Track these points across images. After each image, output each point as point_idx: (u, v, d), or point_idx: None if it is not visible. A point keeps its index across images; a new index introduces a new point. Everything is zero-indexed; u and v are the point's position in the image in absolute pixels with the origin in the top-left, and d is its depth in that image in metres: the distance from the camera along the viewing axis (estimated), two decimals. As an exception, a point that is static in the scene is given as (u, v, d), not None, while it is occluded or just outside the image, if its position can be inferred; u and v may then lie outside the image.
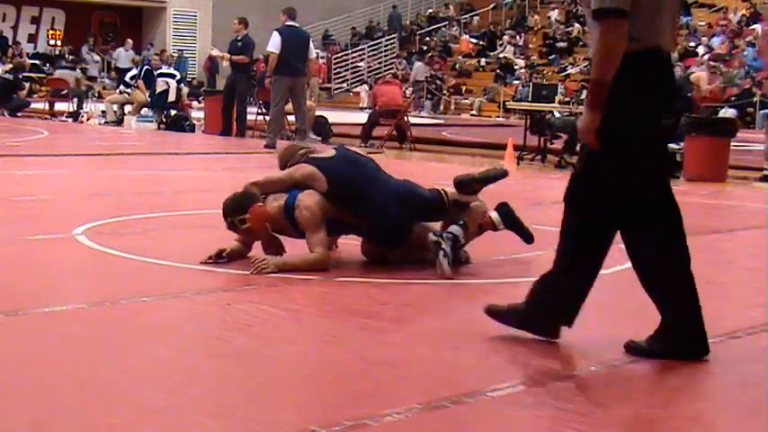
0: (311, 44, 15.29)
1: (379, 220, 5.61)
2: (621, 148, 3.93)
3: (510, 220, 6.00)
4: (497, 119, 28.45)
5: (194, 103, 22.01)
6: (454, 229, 5.62)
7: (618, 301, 5.21)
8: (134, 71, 20.48)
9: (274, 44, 14.58)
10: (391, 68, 34.85)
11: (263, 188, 5.67)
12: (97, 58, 33.37)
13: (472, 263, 5.87)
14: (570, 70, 31.64)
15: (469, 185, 5.90)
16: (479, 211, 5.90)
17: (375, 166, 5.86)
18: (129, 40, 32.24)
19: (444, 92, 32.73)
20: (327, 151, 5.90)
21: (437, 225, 5.84)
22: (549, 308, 4.13)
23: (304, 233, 5.53)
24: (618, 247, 6.76)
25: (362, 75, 36.31)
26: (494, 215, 5.98)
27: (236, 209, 5.51)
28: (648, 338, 4.05)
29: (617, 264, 6.13)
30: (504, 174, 6.11)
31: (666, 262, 4.07)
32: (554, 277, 4.15)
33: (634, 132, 3.93)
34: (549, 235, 7.28)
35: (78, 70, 22.96)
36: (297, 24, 15.13)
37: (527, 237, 6.05)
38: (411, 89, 27.43)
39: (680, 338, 4.00)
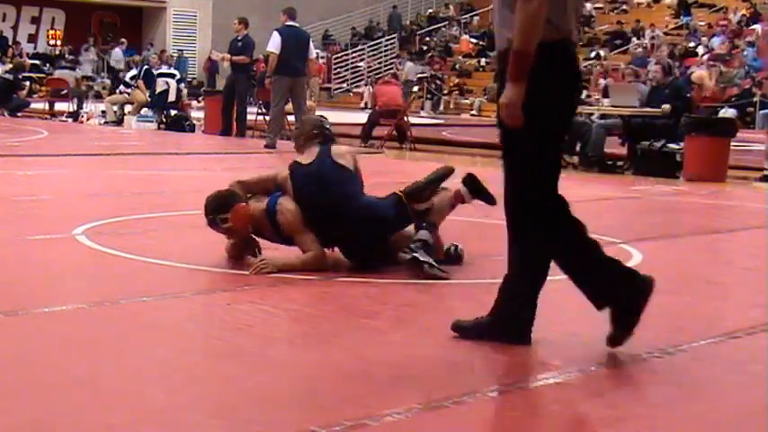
0: (311, 44, 15.28)
1: (346, 240, 5.60)
2: (540, 137, 3.96)
3: (475, 189, 5.96)
4: (497, 119, 28.38)
5: (194, 103, 22.01)
6: (422, 234, 5.55)
7: (618, 301, 5.20)
8: (134, 71, 20.48)
9: (274, 44, 14.57)
10: (391, 68, 34.85)
11: (247, 187, 5.68)
12: (92, 56, 33.27)
13: (464, 260, 5.85)
14: (570, 70, 31.59)
15: (421, 193, 5.74)
16: (444, 200, 5.80)
17: (342, 188, 5.59)
18: (124, 40, 32.10)
19: (445, 92, 32.73)
20: (311, 152, 5.76)
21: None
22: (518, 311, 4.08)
23: (286, 237, 5.53)
24: (618, 247, 6.77)
25: (362, 75, 36.30)
26: (462, 189, 5.93)
27: (219, 207, 5.51)
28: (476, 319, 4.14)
29: (617, 264, 6.14)
30: (450, 172, 5.96)
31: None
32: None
33: (551, 121, 3.96)
34: (549, 235, 7.30)
35: (78, 70, 22.95)
36: (297, 24, 15.13)
37: (489, 200, 5.98)
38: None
39: (505, 320, 4.06)
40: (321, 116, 6.50)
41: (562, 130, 4.11)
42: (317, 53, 32.12)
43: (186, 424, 3.05)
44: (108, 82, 29.95)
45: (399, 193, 5.63)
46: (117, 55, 30.42)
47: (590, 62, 31.38)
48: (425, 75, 33.23)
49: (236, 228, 5.50)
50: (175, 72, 20.42)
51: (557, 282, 5.55)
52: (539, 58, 3.76)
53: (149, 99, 19.41)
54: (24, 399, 3.22)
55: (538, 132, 3.92)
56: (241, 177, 5.78)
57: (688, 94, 13.54)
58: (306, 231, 5.47)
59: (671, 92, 13.49)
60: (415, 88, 30.23)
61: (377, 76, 31.31)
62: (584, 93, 19.49)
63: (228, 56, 16.74)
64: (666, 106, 12.89)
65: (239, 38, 16.82)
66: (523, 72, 3.76)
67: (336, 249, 5.97)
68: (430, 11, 41.36)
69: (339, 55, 37.17)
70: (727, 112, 20.99)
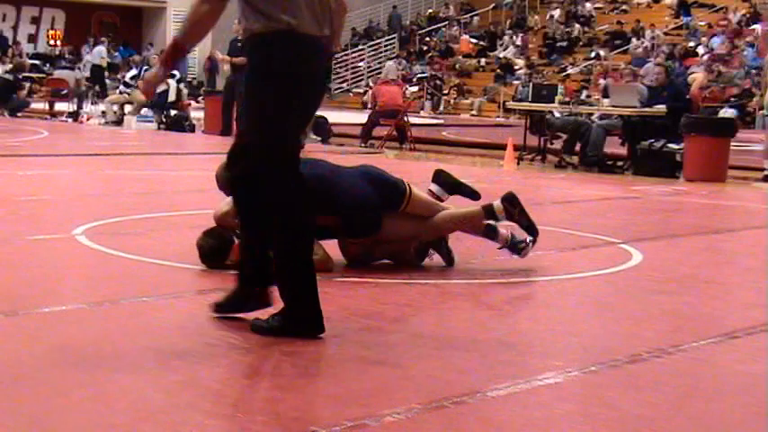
0: None
1: (350, 203, 5.50)
2: (260, 120, 4.09)
3: (449, 185, 6.03)
4: (497, 119, 28.45)
5: (193, 103, 22.01)
6: None
7: (618, 301, 5.21)
8: (134, 71, 20.48)
9: None
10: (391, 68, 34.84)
11: (231, 215, 5.46)
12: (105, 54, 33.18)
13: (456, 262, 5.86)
14: (570, 70, 31.65)
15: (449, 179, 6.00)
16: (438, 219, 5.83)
17: (327, 162, 5.75)
18: (104, 39, 31.82)
19: (445, 92, 32.75)
20: None
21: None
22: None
23: None
24: (618, 247, 6.77)
25: (362, 75, 36.31)
26: (433, 187, 6.01)
27: (217, 257, 5.38)
28: (270, 316, 4.16)
29: (617, 263, 6.15)
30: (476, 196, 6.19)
31: (281, 237, 4.15)
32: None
33: (270, 107, 4.06)
34: (550, 235, 7.30)
35: (77, 70, 22.95)
36: None
37: (472, 195, 6.11)
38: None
39: (295, 316, 4.11)
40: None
41: (288, 119, 4.13)
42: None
43: (186, 424, 3.05)
44: (109, 82, 29.93)
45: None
46: (102, 53, 30.18)
47: (590, 62, 31.41)
48: (425, 75, 33.25)
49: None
50: (175, 72, 20.41)
51: (557, 282, 5.57)
52: (255, 47, 4.08)
53: (149, 99, 19.41)
54: (24, 399, 3.22)
55: (258, 116, 4.10)
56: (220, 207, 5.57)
57: (688, 96, 13.54)
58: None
59: (670, 93, 13.51)
60: (415, 88, 30.24)
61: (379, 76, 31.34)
62: (585, 93, 19.50)
63: (229, 58, 16.73)
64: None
65: (239, 38, 16.82)
66: (174, 60, 4.09)
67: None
68: (430, 11, 41.37)
69: (339, 55, 37.17)
70: (727, 112, 21.01)
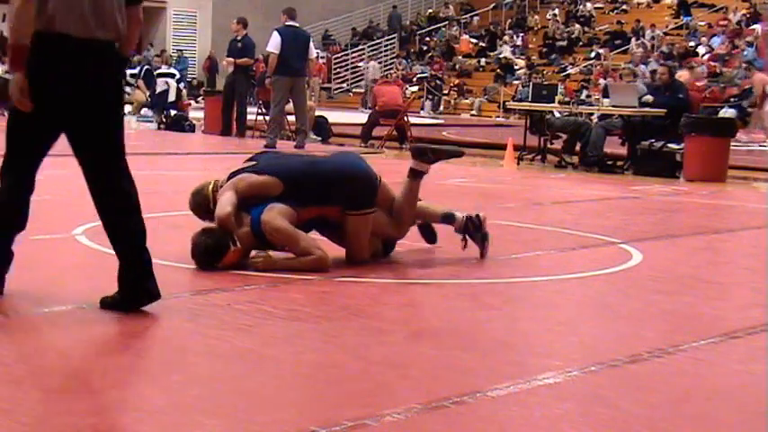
0: (311, 44, 15.26)
1: (346, 173, 5.66)
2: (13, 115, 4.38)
3: (426, 153, 6.03)
4: (497, 119, 28.46)
5: (193, 103, 22.01)
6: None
7: (618, 301, 5.21)
8: (134, 71, 20.49)
9: (274, 44, 14.57)
10: (391, 68, 34.86)
11: (225, 216, 5.49)
12: None
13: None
14: (570, 70, 31.66)
15: (425, 154, 5.96)
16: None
17: (299, 156, 6.19)
18: None
19: (445, 92, 32.75)
20: (245, 164, 5.93)
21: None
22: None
23: (284, 249, 5.53)
24: (618, 247, 6.77)
25: (362, 75, 36.32)
26: (413, 163, 6.00)
27: (210, 257, 5.39)
28: (115, 293, 4.42)
29: (617, 263, 6.15)
30: (458, 155, 6.34)
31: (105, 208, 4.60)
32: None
33: (14, 114, 4.34)
34: (550, 235, 7.30)
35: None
36: (297, 24, 15.12)
37: (451, 153, 6.28)
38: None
39: (128, 289, 4.38)
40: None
41: (23, 122, 4.38)
42: (317, 53, 32.09)
43: (186, 424, 3.05)
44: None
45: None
46: None
47: (590, 62, 31.42)
48: (425, 75, 33.25)
49: (232, 265, 5.43)
50: (175, 72, 20.44)
51: (557, 282, 5.57)
52: (31, 45, 4.21)
53: (149, 99, 19.42)
54: (24, 399, 3.22)
55: (13, 110, 4.37)
56: (222, 214, 5.51)
57: (680, 95, 13.54)
58: (299, 239, 5.41)
59: (672, 92, 13.52)
60: (415, 88, 30.25)
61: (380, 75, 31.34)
62: (585, 93, 19.50)
63: (232, 60, 16.73)
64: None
65: (238, 38, 16.83)
66: (21, 61, 4.22)
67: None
68: (430, 11, 41.38)
69: (339, 55, 37.18)
70: (728, 112, 21.01)
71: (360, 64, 36.83)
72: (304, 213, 5.56)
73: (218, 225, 5.48)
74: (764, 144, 19.09)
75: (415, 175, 5.84)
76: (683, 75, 19.81)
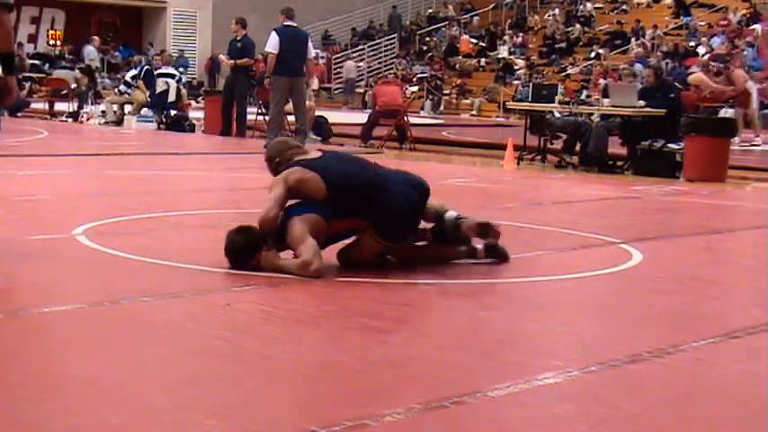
0: (310, 44, 15.24)
1: (394, 206, 5.45)
2: None
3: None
4: (497, 119, 28.46)
5: (192, 103, 21.99)
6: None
7: (618, 301, 5.21)
8: (134, 71, 20.47)
9: (272, 44, 14.59)
10: (391, 68, 34.87)
11: (271, 219, 5.38)
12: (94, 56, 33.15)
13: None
14: (570, 70, 31.66)
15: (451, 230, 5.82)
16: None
17: (367, 161, 5.80)
18: (95, 38, 31.65)
19: (445, 92, 32.75)
20: (313, 153, 5.75)
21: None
22: None
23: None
24: (618, 247, 6.77)
25: (362, 75, 36.33)
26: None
27: (241, 260, 5.32)
28: None
29: (617, 263, 6.15)
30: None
31: None
32: None
33: None
34: (550, 235, 7.30)
35: (77, 70, 22.95)
36: (295, 24, 15.12)
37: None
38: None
39: None
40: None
41: None
42: (317, 53, 32.05)
43: (186, 424, 3.05)
44: (109, 82, 29.91)
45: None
46: (91, 53, 30.05)
47: (590, 62, 31.42)
48: (425, 75, 33.27)
49: (265, 269, 5.33)
50: (175, 72, 20.42)
51: (557, 282, 5.57)
52: None
53: (149, 99, 19.41)
54: (24, 399, 3.22)
55: None
56: (265, 215, 5.37)
57: (672, 95, 13.52)
58: (301, 242, 5.27)
59: (663, 93, 13.51)
60: (415, 88, 30.25)
61: (379, 76, 31.34)
62: (585, 93, 19.50)
63: (232, 61, 16.71)
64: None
65: (238, 38, 16.83)
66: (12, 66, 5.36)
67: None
68: (430, 11, 41.39)
69: (339, 55, 37.18)
70: (728, 113, 21.00)
71: (360, 64, 36.84)
72: (338, 225, 5.46)
73: (260, 226, 5.34)
74: (756, 143, 19.07)
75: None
76: (699, 77, 19.82)
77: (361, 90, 34.27)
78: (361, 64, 36.47)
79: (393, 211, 5.48)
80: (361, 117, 19.30)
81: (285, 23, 14.90)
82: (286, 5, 15.30)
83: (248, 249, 5.30)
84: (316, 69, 28.92)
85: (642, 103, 13.32)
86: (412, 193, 5.58)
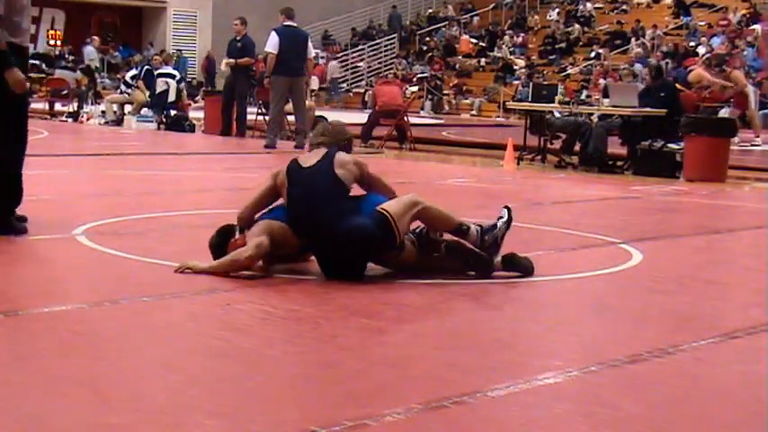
0: (309, 43, 15.24)
1: (329, 259, 5.37)
2: None
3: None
4: (497, 119, 28.46)
5: (191, 103, 21.99)
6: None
7: (618, 301, 5.21)
8: (134, 71, 20.48)
9: (272, 44, 14.60)
10: (391, 68, 34.87)
11: (253, 210, 5.48)
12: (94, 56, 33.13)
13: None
14: (570, 70, 31.66)
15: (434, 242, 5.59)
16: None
17: (329, 208, 5.35)
18: (95, 38, 31.61)
19: (445, 92, 32.75)
20: (317, 153, 5.61)
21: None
22: None
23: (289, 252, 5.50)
24: (618, 247, 6.78)
25: (362, 75, 36.34)
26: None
27: (220, 252, 5.39)
28: None
29: (617, 263, 6.15)
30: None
31: None
32: None
33: None
34: (550, 235, 7.30)
35: (78, 71, 22.95)
36: (295, 24, 15.11)
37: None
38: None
39: None
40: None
41: None
42: (317, 53, 32.03)
43: (186, 424, 3.05)
44: (109, 82, 29.89)
45: (384, 212, 5.26)
46: (91, 53, 30.01)
47: (590, 62, 31.42)
48: (425, 75, 33.26)
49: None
50: (175, 72, 20.43)
51: (557, 282, 5.57)
52: None
53: (149, 99, 19.41)
54: (24, 398, 3.22)
55: None
56: (242, 207, 5.53)
57: (662, 93, 13.53)
58: (254, 237, 5.30)
59: (665, 93, 13.51)
60: (415, 88, 30.25)
61: (379, 75, 31.35)
62: (585, 93, 19.50)
63: (233, 61, 16.70)
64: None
65: (238, 38, 16.81)
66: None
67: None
68: (430, 11, 41.39)
69: (339, 55, 37.18)
70: (727, 113, 21.02)
71: (360, 64, 36.84)
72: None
73: (237, 219, 5.50)
74: (756, 143, 19.08)
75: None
76: (698, 73, 19.82)
77: (344, 89, 34.39)
78: (363, 64, 36.47)
79: (335, 256, 5.35)
80: (361, 117, 19.29)
81: (285, 23, 14.90)
82: (286, 5, 15.30)
83: (221, 244, 5.42)
84: (316, 69, 28.98)
85: (635, 102, 13.33)
86: (353, 247, 5.28)
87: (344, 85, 35.62)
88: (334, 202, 5.37)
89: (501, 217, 5.63)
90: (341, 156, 5.57)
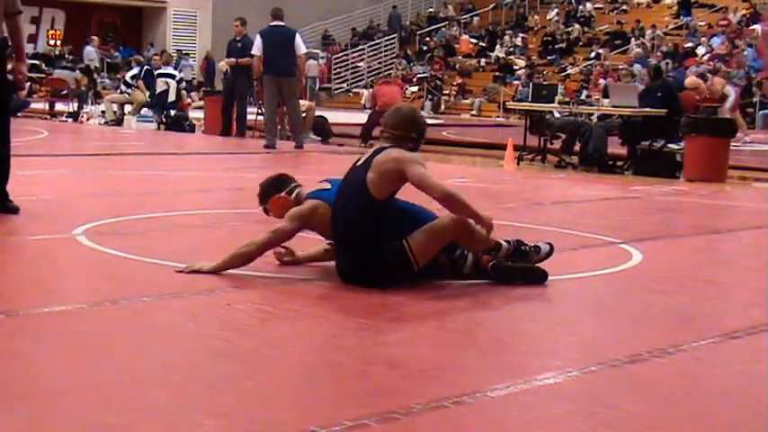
0: (299, 40, 14.91)
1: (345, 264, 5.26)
2: None
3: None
4: (497, 119, 28.46)
5: (191, 98, 21.99)
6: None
7: (618, 301, 5.20)
8: (134, 71, 20.48)
9: (256, 47, 14.76)
10: (391, 69, 34.87)
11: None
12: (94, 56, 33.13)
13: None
14: (570, 70, 31.66)
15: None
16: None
17: (345, 213, 5.16)
18: (95, 38, 31.56)
19: (445, 92, 32.75)
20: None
21: None
22: None
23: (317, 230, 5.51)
24: (618, 247, 6.77)
25: (362, 75, 36.32)
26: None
27: (263, 194, 5.61)
28: None
29: (617, 263, 6.15)
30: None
31: None
32: None
33: None
34: (549, 235, 7.30)
35: (78, 71, 22.95)
36: (282, 23, 15.02)
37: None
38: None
39: None
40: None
41: None
42: (317, 53, 32.03)
43: (186, 424, 3.05)
44: (109, 82, 29.89)
45: (403, 243, 5.04)
46: (91, 53, 30.00)
47: (590, 62, 31.41)
48: (425, 75, 33.26)
49: (276, 216, 5.53)
50: (175, 72, 20.43)
51: (557, 282, 5.56)
52: None
53: (149, 99, 19.42)
54: (24, 399, 3.22)
55: None
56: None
57: (659, 93, 13.53)
58: (284, 222, 5.34)
59: (664, 93, 13.51)
60: (415, 88, 30.27)
61: (378, 75, 31.33)
62: (585, 93, 19.51)
63: (233, 60, 16.67)
64: None
65: (238, 39, 16.80)
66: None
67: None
68: (430, 11, 41.38)
69: (339, 55, 37.18)
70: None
71: (360, 64, 36.84)
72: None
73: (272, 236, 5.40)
74: (745, 141, 19.10)
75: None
76: (693, 81, 19.89)
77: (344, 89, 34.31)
78: (363, 64, 36.45)
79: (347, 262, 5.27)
80: (361, 117, 19.29)
81: (271, 24, 14.92)
82: (286, 6, 15.31)
83: (267, 192, 5.57)
84: (317, 69, 28.98)
85: (635, 103, 13.34)
86: (363, 268, 5.12)
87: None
88: (355, 213, 5.02)
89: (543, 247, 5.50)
90: (387, 153, 5.03)
